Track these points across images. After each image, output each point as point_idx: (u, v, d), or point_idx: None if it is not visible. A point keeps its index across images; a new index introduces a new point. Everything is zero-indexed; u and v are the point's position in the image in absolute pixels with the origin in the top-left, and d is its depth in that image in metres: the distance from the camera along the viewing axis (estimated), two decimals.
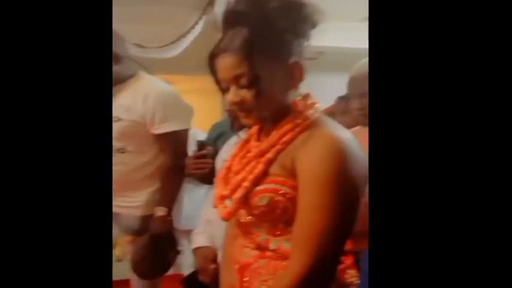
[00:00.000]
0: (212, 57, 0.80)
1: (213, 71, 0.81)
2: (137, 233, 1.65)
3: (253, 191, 0.78)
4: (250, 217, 0.83)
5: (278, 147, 0.79)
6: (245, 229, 0.86)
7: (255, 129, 0.91)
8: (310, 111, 0.81)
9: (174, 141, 1.57)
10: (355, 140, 0.75)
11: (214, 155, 1.52)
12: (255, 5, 0.76)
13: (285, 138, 0.79)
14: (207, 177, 1.51)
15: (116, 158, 1.54)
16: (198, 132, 2.21)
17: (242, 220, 0.85)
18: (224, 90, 0.81)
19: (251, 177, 0.79)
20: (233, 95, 0.79)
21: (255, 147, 0.85)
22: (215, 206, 0.87)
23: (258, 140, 0.88)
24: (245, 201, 0.80)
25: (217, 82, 0.82)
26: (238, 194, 0.79)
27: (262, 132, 0.88)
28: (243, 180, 0.80)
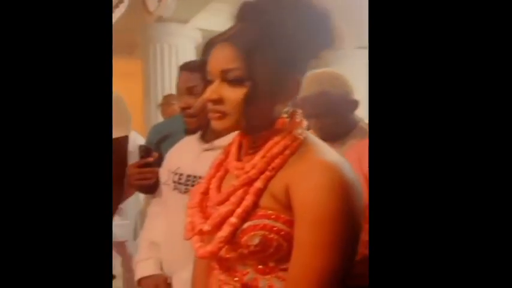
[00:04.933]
0: (209, 45, 0.75)
1: (204, 61, 0.75)
2: None
3: (241, 227, 0.70)
4: (233, 253, 0.74)
5: (268, 174, 0.72)
6: (226, 264, 0.77)
7: (234, 146, 0.83)
8: (299, 131, 0.76)
9: (114, 150, 1.33)
10: (348, 164, 0.72)
11: (159, 162, 1.35)
12: (276, 7, 0.72)
13: (274, 164, 0.72)
14: (151, 188, 1.36)
15: None
16: (135, 134, 1.96)
17: (223, 255, 0.75)
18: (206, 86, 0.75)
19: (240, 211, 0.70)
20: (212, 91, 0.72)
21: (237, 168, 0.77)
22: (187, 238, 0.77)
23: (238, 159, 0.80)
24: (232, 240, 0.71)
25: (204, 75, 0.76)
26: (225, 232, 0.70)
27: (242, 150, 0.81)
28: (229, 214, 0.71)
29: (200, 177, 1.17)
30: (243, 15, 0.74)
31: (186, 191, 1.20)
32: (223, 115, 0.72)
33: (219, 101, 0.72)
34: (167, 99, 2.82)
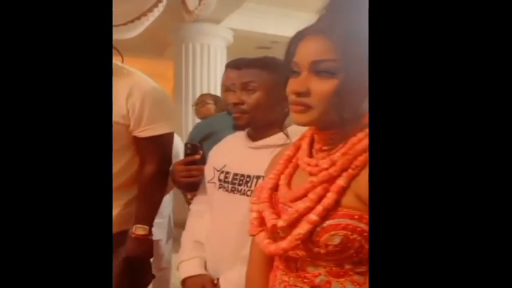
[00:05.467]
0: (297, 37, 0.74)
1: (289, 52, 0.74)
2: None
3: (321, 226, 0.67)
4: (303, 252, 0.70)
5: (351, 172, 0.68)
6: (295, 265, 0.74)
7: (305, 142, 0.80)
8: None
9: (160, 146, 1.33)
10: None
11: (204, 160, 1.34)
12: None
13: (357, 162, 0.69)
14: (195, 186, 1.35)
15: None
16: None
17: (291, 254, 0.72)
18: (288, 77, 0.73)
19: (320, 208, 0.67)
20: (300, 83, 0.70)
21: (309, 165, 0.74)
22: (253, 234, 0.75)
23: (309, 155, 0.77)
24: (309, 238, 0.68)
25: (287, 67, 0.74)
26: (303, 229, 0.67)
27: (315, 147, 0.78)
28: (307, 211, 0.68)
29: (248, 176, 1.15)
30: (334, 6, 0.72)
31: (232, 190, 1.18)
32: (306, 108, 0.70)
33: (305, 93, 0.70)
34: (202, 99, 2.82)
